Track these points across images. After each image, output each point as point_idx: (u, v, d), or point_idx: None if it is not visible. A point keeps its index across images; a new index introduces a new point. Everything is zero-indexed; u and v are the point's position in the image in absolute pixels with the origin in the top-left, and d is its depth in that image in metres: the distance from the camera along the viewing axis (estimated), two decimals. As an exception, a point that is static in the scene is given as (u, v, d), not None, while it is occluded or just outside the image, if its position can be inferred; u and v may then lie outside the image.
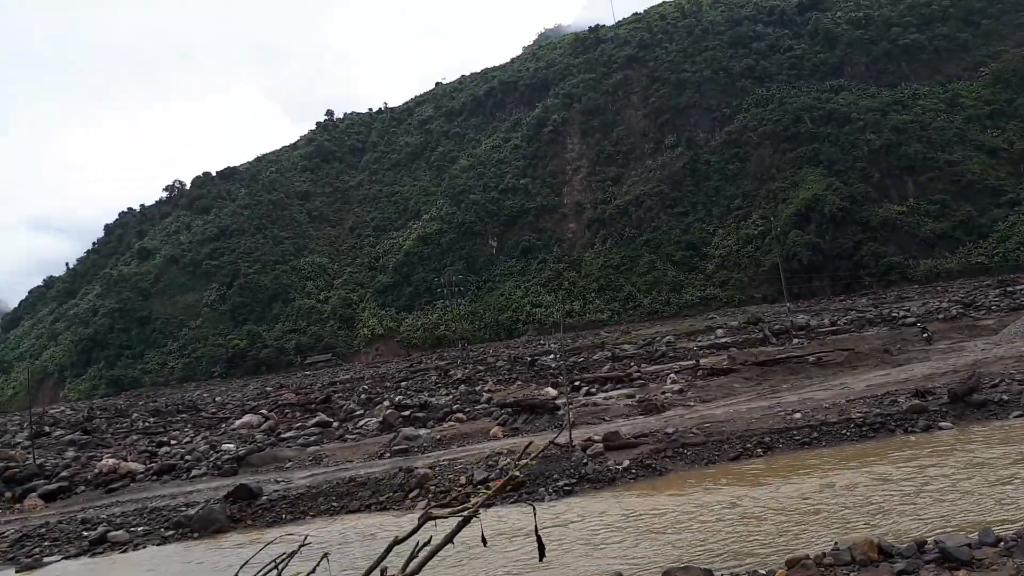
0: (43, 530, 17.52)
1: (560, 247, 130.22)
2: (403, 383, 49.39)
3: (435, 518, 5.29)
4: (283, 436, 24.90)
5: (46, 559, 15.49)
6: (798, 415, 15.51)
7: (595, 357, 48.67)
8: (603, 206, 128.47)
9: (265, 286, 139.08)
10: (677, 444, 14.44)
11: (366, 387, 50.01)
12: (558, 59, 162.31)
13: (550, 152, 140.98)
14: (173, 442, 27.63)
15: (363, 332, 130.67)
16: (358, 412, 30.89)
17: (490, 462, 15.11)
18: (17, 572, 15.00)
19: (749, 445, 14.02)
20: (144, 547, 15.30)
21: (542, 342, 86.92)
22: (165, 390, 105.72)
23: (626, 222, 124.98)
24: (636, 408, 20.23)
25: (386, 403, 33.31)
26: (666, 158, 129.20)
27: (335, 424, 26.21)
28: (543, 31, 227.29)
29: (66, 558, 15.47)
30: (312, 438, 23.92)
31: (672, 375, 27.75)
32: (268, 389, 68.54)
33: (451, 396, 31.96)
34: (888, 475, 11.29)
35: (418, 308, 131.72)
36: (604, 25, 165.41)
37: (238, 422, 31.07)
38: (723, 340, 48.62)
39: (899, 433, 14.17)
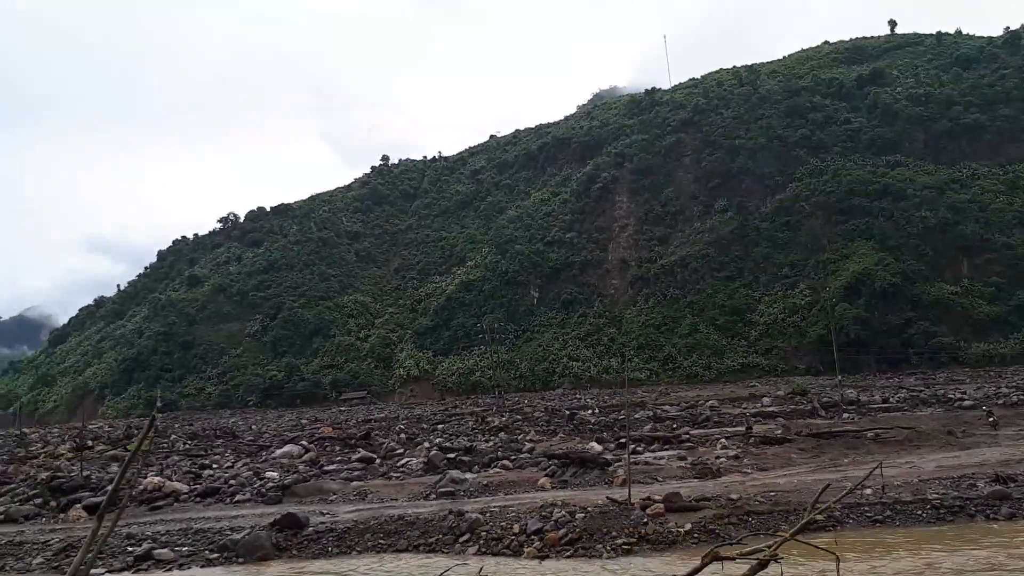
0: (88, 543, 17.49)
1: (602, 302, 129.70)
2: (439, 426, 49.07)
3: (723, 559, 4.83)
4: (326, 469, 24.75)
5: (92, 571, 15.40)
6: (868, 491, 14.91)
7: (636, 416, 47.82)
8: (648, 265, 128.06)
9: (308, 320, 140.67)
10: (741, 511, 13.95)
11: (402, 427, 49.74)
12: (612, 119, 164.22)
13: (598, 208, 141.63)
14: (215, 466, 27.64)
15: (399, 372, 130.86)
16: (398, 451, 30.64)
17: (543, 513, 14.73)
18: (62, 583, 14.95)
19: (818, 517, 13.45)
20: (188, 568, 15.16)
21: (578, 396, 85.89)
22: (200, 415, 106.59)
23: (670, 282, 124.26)
24: (690, 471, 19.71)
25: (426, 444, 33.02)
26: (715, 222, 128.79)
27: (377, 461, 25.98)
28: (598, 91, 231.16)
29: (110, 572, 15.40)
30: (356, 473, 23.72)
31: (723, 440, 27.06)
32: (304, 421, 68.61)
33: (492, 443, 31.56)
34: (991, 559, 10.69)
35: (455, 352, 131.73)
36: (660, 88, 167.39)
37: (279, 451, 31.04)
38: (770, 409, 47.54)
39: (979, 519, 13.49)
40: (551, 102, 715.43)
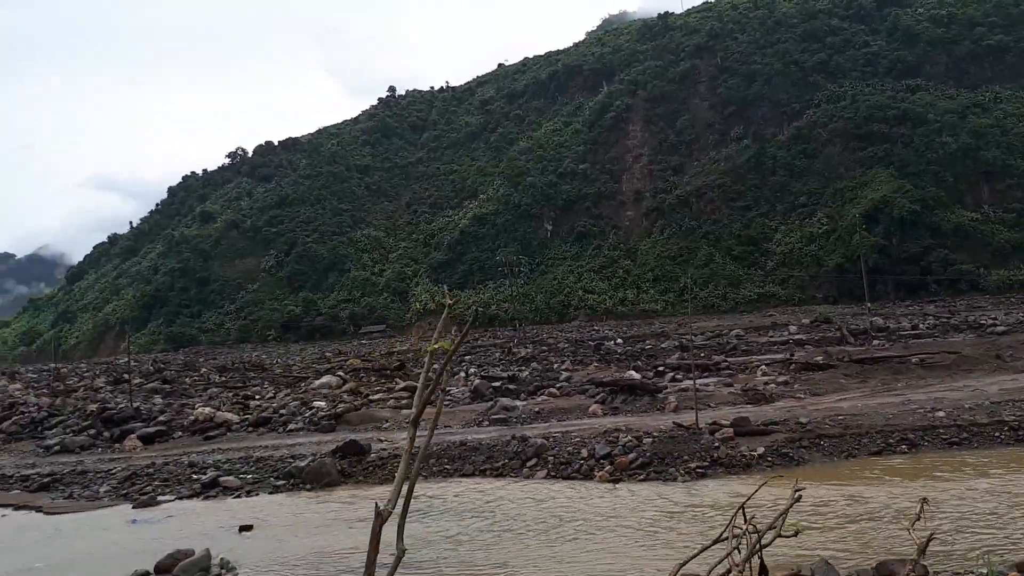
0: (150, 470, 17.81)
1: (616, 234, 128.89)
2: (467, 357, 49.37)
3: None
4: (372, 398, 25.00)
5: (160, 498, 15.72)
6: (941, 413, 14.91)
7: (663, 346, 48.05)
8: (663, 195, 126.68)
9: (322, 255, 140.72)
10: (813, 435, 13.99)
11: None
12: (624, 45, 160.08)
13: (611, 138, 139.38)
14: (258, 397, 27.97)
15: (415, 306, 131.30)
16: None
17: (609, 438, 14.84)
18: (134, 507, 15.24)
19: (892, 440, 13.52)
20: (256, 494, 15.42)
21: (596, 328, 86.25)
22: (222, 349, 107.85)
23: (686, 213, 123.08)
24: (741, 396, 19.78)
25: (462, 374, 33.28)
26: (731, 150, 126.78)
27: (421, 391, 26.21)
28: (607, 17, 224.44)
29: (179, 498, 15.69)
30: (404, 401, 23.96)
31: (763, 367, 27.14)
32: (328, 354, 69.33)
33: (527, 373, 31.72)
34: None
35: (470, 286, 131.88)
36: (673, 13, 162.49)
37: (317, 382, 31.37)
38: (797, 337, 47.65)
39: (1060, 440, 13.47)
40: (559, 28, 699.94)
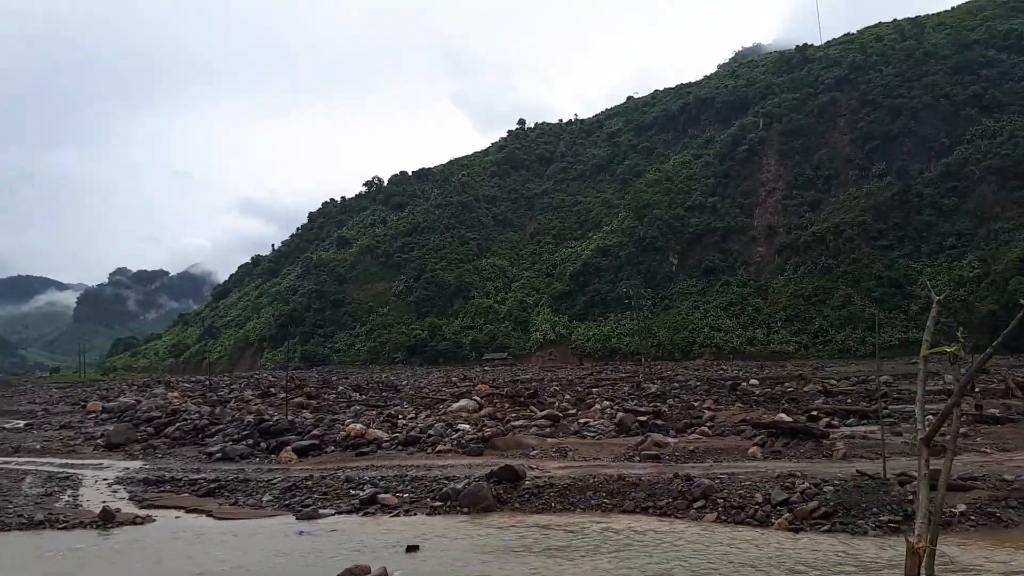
0: (309, 483, 18.28)
1: (746, 271, 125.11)
2: (594, 389, 48.67)
3: None
4: (514, 424, 24.92)
5: (321, 511, 16.04)
6: None
7: (805, 389, 45.63)
8: (798, 231, 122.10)
9: (448, 282, 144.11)
10: (1021, 493, 12.65)
11: (556, 388, 49.77)
12: (759, 77, 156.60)
13: (743, 172, 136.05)
14: (401, 417, 28.50)
15: (535, 336, 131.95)
16: (571, 411, 30.50)
17: (784, 483, 13.97)
18: (297, 519, 15.61)
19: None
20: (414, 514, 15.47)
21: (723, 368, 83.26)
22: (352, 369, 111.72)
23: (822, 251, 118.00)
24: (915, 447, 18.30)
25: (597, 406, 32.73)
26: (873, 187, 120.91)
27: (562, 420, 25.93)
28: (740, 49, 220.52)
29: (339, 513, 15.96)
30: (547, 430, 23.74)
31: (929, 416, 25.06)
32: (454, 379, 70.25)
33: (666, 409, 30.76)
34: None
35: (591, 318, 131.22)
36: (812, 45, 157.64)
37: (455, 405, 31.66)
38: (953, 387, 43.93)
39: None
40: (690, 62, 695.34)
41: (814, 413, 26.87)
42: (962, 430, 21.29)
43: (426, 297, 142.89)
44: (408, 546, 12.55)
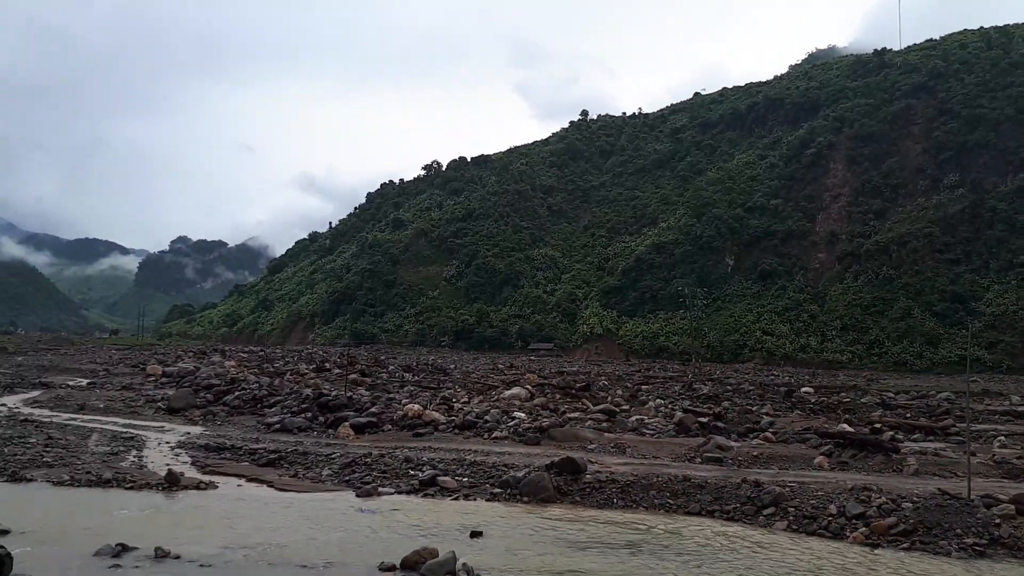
0: (368, 460, 18.36)
1: (804, 276, 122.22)
2: (643, 387, 48.11)
3: None
4: (569, 416, 24.71)
5: (381, 489, 16.06)
6: None
7: (862, 400, 44.45)
8: (860, 239, 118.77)
9: (499, 270, 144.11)
10: None
11: (605, 383, 49.32)
12: (832, 80, 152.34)
13: (809, 175, 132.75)
14: (455, 400, 28.52)
15: (583, 328, 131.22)
16: (624, 407, 30.13)
17: (860, 496, 13.46)
18: (357, 495, 15.65)
19: None
20: (474, 499, 15.39)
21: (774, 373, 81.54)
22: (400, 349, 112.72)
23: (884, 260, 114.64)
24: (993, 468, 17.54)
25: (651, 403, 32.31)
26: (943, 198, 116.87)
27: (618, 415, 25.62)
28: (814, 51, 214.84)
29: (398, 492, 15.97)
30: (604, 424, 23.47)
31: (1001, 438, 24.21)
32: (500, 366, 70.32)
33: (721, 411, 30.17)
34: None
35: (640, 314, 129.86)
36: (890, 49, 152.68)
37: (507, 392, 31.61)
38: (1021, 408, 42.50)
39: None
40: (762, 62, 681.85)
41: (877, 426, 26.04)
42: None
43: (476, 283, 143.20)
44: (472, 532, 12.45)
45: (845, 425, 26.04)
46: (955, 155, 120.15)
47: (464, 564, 10.39)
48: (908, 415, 36.79)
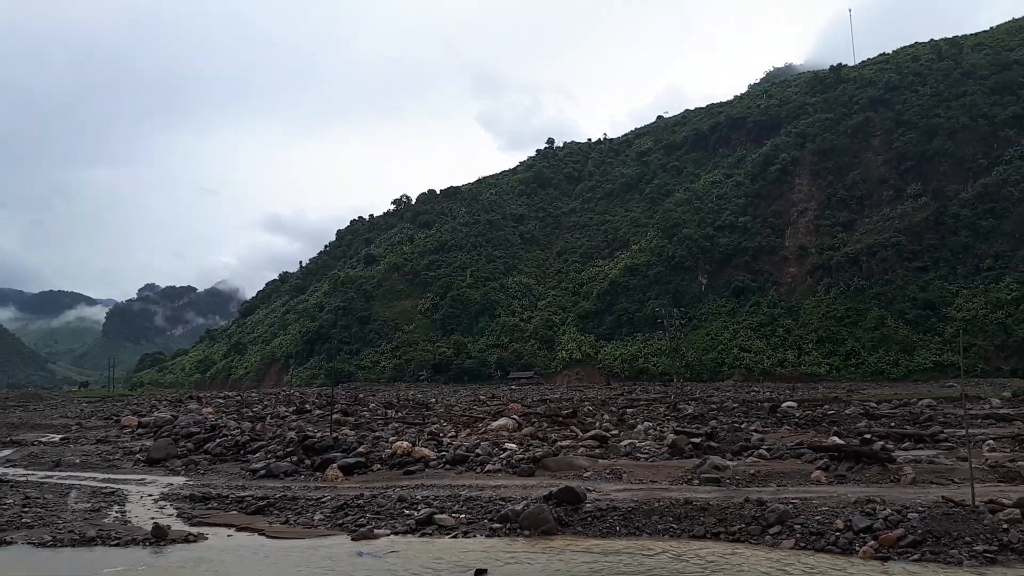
0: (360, 502, 17.89)
1: (777, 291, 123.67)
2: (628, 410, 47.97)
3: None
4: (560, 444, 24.40)
5: (376, 531, 15.62)
6: None
7: (847, 412, 44.64)
8: (830, 252, 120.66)
9: (475, 300, 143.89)
10: None
11: (590, 408, 49.05)
12: (792, 97, 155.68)
13: (775, 192, 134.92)
14: (443, 435, 28.06)
15: (561, 355, 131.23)
16: (613, 432, 29.89)
17: (864, 509, 13.33)
18: (352, 539, 15.20)
19: None
20: (473, 536, 15.01)
21: (754, 389, 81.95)
22: (378, 386, 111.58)
23: (855, 272, 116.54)
24: (989, 473, 17.54)
25: (640, 427, 32.11)
26: (907, 207, 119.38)
27: (610, 440, 25.34)
28: (771, 69, 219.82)
29: (395, 533, 15.52)
30: (597, 451, 23.19)
31: (989, 441, 24.35)
32: (481, 397, 69.87)
33: (709, 430, 30.05)
34: None
35: (618, 338, 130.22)
36: (846, 64, 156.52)
37: (494, 424, 31.23)
38: (1002, 411, 42.89)
39: None
40: (720, 82, 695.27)
41: (867, 436, 26.05)
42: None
43: (452, 315, 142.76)
44: (476, 570, 12.09)
45: (835, 438, 26.02)
46: (916, 164, 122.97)
47: (474, 605, 10.05)
48: (893, 424, 36.99)
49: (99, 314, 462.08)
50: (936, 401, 51.24)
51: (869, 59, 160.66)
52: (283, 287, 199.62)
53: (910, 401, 51.30)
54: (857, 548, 12.07)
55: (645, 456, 22.47)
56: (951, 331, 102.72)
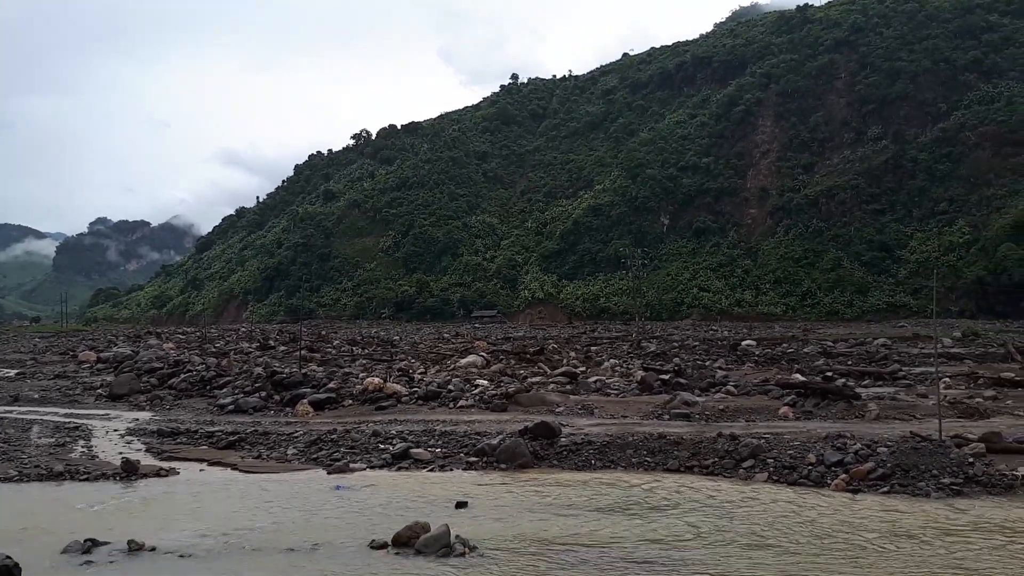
0: (333, 436, 17.84)
1: (737, 232, 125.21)
2: (592, 348, 48.47)
3: None
4: (532, 381, 24.57)
5: (352, 465, 15.60)
6: None
7: (805, 350, 45.71)
8: (790, 194, 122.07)
9: (437, 239, 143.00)
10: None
11: (555, 346, 49.42)
12: (757, 37, 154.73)
13: (738, 133, 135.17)
14: (413, 372, 28.05)
15: (524, 294, 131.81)
16: (581, 368, 30.22)
17: (836, 443, 13.66)
18: (328, 473, 15.18)
19: None
20: (450, 469, 15.09)
21: (713, 328, 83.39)
22: (339, 324, 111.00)
23: (814, 213, 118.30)
24: (948, 409, 18.11)
25: (606, 364, 32.50)
26: (867, 150, 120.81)
27: (580, 377, 25.61)
28: (737, 8, 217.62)
29: (371, 467, 15.54)
30: (567, 387, 23.42)
31: (946, 379, 25.13)
32: (445, 335, 69.90)
33: (675, 368, 30.53)
34: None
35: (580, 277, 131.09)
36: (812, 5, 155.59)
37: (463, 361, 31.34)
38: (953, 351, 44.35)
39: None
40: (687, 19, 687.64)
41: (829, 374, 26.70)
42: (991, 392, 21.23)
43: (414, 253, 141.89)
44: (457, 503, 12.15)
45: (798, 375, 26.64)
46: (877, 107, 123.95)
47: (458, 536, 10.10)
48: (850, 362, 38.00)
49: (48, 248, 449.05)
50: (891, 341, 52.76)
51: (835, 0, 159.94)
52: (240, 223, 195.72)
53: (865, 340, 52.77)
54: (829, 481, 12.39)
55: (615, 392, 22.78)
56: (904, 273, 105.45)
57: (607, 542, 10.25)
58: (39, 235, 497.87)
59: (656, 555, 9.62)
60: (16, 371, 37.97)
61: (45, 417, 22.84)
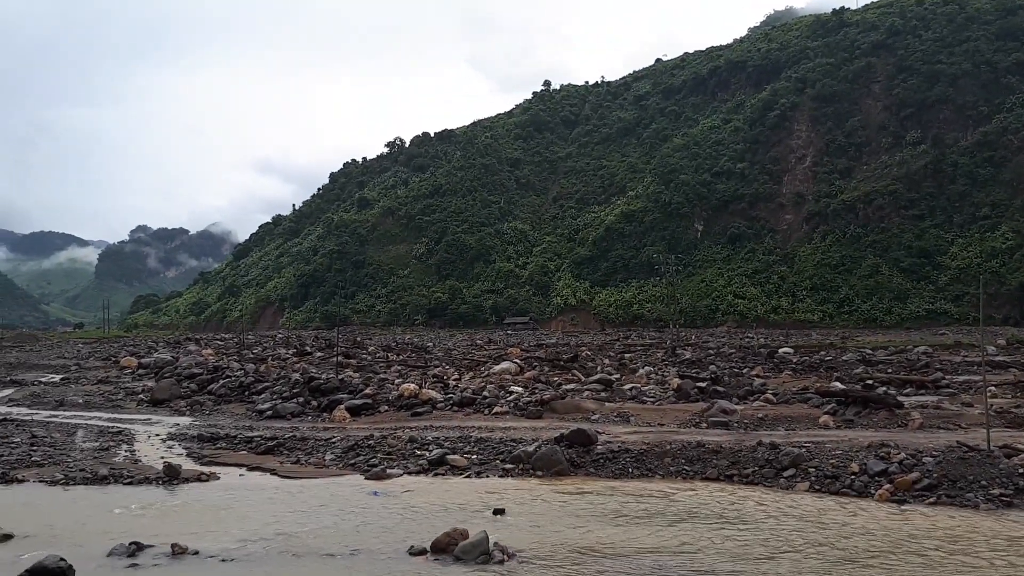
0: (370, 442, 17.93)
1: (772, 238, 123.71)
2: (626, 355, 48.15)
3: None
4: (566, 388, 24.50)
5: (389, 471, 15.67)
6: None
7: (844, 358, 44.93)
8: (827, 200, 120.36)
9: (470, 246, 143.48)
10: None
11: (588, 353, 49.21)
12: (792, 41, 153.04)
13: (773, 138, 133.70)
14: (447, 378, 28.15)
15: (556, 301, 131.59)
16: (615, 376, 30.02)
17: (879, 453, 13.40)
18: (366, 478, 15.26)
19: None
20: (486, 476, 15.09)
21: (748, 335, 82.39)
22: (373, 330, 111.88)
23: (851, 219, 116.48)
24: (995, 419, 17.67)
25: (642, 371, 32.26)
26: (906, 155, 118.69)
27: (615, 384, 25.46)
28: (772, 12, 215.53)
29: (408, 473, 15.59)
30: (602, 394, 23.30)
31: (992, 387, 24.50)
32: (478, 342, 69.99)
33: (713, 376, 30.21)
34: None
35: (613, 284, 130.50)
36: (848, 8, 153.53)
37: (496, 368, 31.32)
38: (998, 359, 43.24)
39: None
40: (720, 24, 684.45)
41: (870, 382, 26.22)
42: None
43: (447, 260, 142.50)
44: (495, 510, 12.14)
45: (838, 383, 26.19)
46: (916, 111, 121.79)
47: (497, 543, 10.08)
48: (890, 370, 37.24)
49: (91, 255, 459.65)
50: (932, 348, 51.65)
51: (872, 2, 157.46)
52: (276, 230, 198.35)
53: (905, 348, 51.72)
54: (872, 491, 12.15)
55: (651, 400, 22.60)
56: (944, 279, 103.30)
57: (647, 551, 10.17)
58: (82, 243, 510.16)
59: (698, 566, 9.51)
60: (61, 376, 38.86)
61: (89, 422, 23.32)
